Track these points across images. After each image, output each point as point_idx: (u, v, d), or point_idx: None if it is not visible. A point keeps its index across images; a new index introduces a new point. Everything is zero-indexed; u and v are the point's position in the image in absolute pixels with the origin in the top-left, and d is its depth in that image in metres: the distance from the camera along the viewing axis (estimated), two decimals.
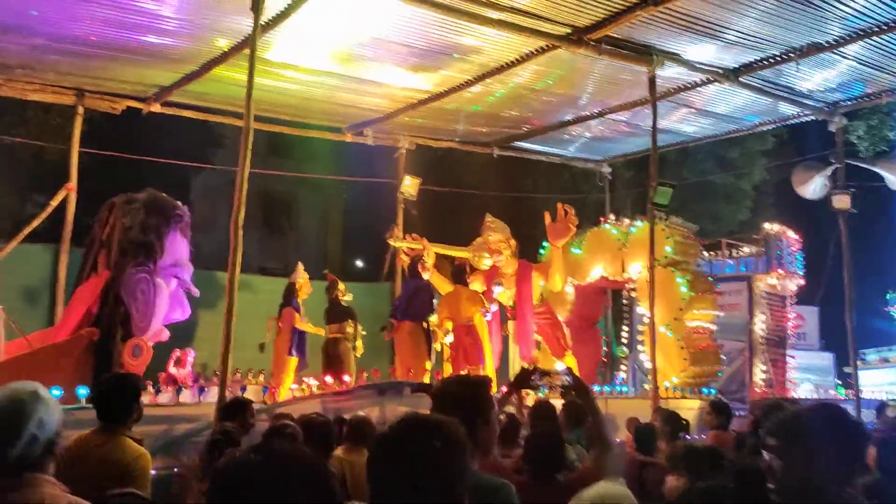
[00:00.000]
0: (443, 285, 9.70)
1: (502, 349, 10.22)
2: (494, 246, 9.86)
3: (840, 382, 11.15)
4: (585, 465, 3.47)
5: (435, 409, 2.58)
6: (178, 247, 7.37)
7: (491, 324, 9.77)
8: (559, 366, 9.47)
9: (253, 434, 4.53)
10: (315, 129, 12.05)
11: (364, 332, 9.54)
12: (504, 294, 10.05)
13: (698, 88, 9.88)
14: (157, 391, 6.47)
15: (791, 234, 12.31)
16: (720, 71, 9.19)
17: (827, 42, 8.44)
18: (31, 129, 12.75)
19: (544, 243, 12.10)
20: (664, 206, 8.65)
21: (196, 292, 7.77)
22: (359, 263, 22.24)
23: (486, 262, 10.09)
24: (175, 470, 5.27)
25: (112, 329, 6.68)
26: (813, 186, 11.09)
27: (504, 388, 7.95)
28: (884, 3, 7.55)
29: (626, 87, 9.94)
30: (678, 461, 4.12)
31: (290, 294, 9.79)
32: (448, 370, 9.19)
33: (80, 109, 10.11)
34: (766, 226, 12.29)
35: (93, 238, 7.24)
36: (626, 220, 11.30)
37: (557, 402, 5.41)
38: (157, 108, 10.35)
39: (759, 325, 11.69)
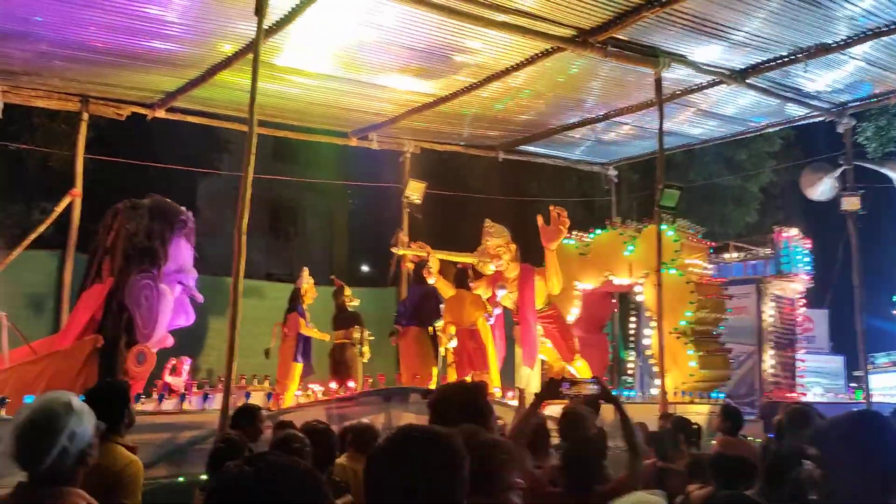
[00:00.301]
0: (446, 290, 9.66)
1: (505, 353, 10.16)
2: (494, 251, 9.83)
3: (857, 386, 11.01)
4: (620, 474, 3.42)
5: (433, 417, 2.53)
6: (182, 253, 7.34)
7: (494, 328, 9.73)
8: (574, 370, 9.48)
9: (262, 441, 4.49)
10: (319, 134, 12.03)
11: (372, 338, 9.49)
12: (507, 298, 10.01)
13: (705, 90, 9.81)
14: (161, 399, 6.42)
15: (800, 237, 12.21)
16: (727, 72, 9.12)
17: (835, 42, 8.37)
18: (37, 136, 12.77)
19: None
20: (671, 209, 8.57)
21: (200, 298, 7.73)
22: (364, 268, 22.23)
23: (490, 267, 10.06)
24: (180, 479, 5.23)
25: (116, 336, 6.65)
26: (821, 188, 11.02)
27: (512, 393, 7.90)
28: (892, 2, 7.48)
29: (632, 90, 9.89)
30: (703, 469, 4.05)
31: (295, 300, 9.77)
32: (452, 375, 9.14)
33: (85, 116, 10.11)
34: (775, 228, 12.20)
35: (97, 244, 7.21)
36: (633, 224, 11.22)
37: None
38: (161, 113, 10.34)
39: (768, 328, 11.59)
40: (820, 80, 9.49)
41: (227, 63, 8.73)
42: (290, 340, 9.26)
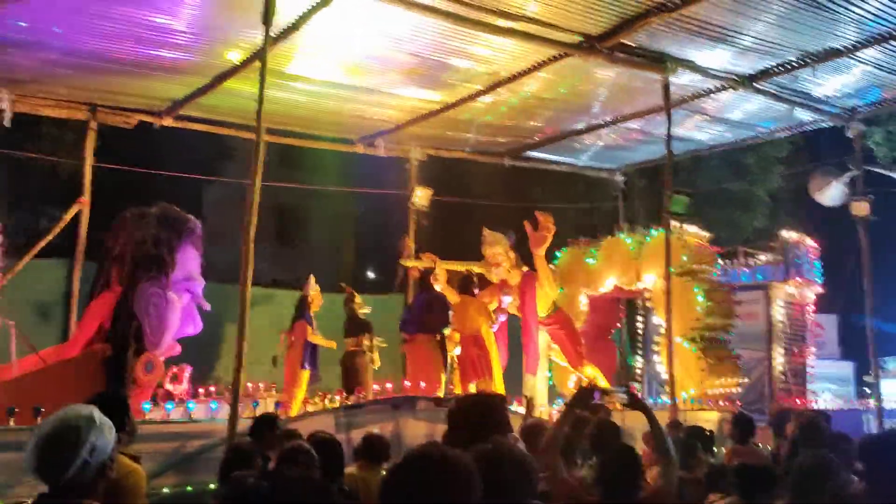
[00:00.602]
0: (451, 297, 9.66)
1: (508, 361, 10.14)
2: (493, 259, 9.88)
3: (870, 392, 10.92)
4: (657, 482, 3.41)
5: (450, 429, 2.52)
6: (190, 260, 7.34)
7: (498, 334, 9.72)
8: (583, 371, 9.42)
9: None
10: (326, 141, 12.04)
11: (384, 345, 9.47)
12: (513, 305, 10.03)
13: (712, 95, 9.76)
14: (169, 408, 6.40)
15: (809, 242, 12.14)
16: (735, 77, 9.08)
17: (843, 47, 8.32)
18: (45, 145, 12.81)
19: (556, 253, 12.04)
20: (680, 215, 8.54)
21: (207, 307, 7.73)
22: (371, 275, 22.20)
23: (496, 275, 10.13)
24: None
25: (125, 344, 6.64)
26: (831, 193, 10.95)
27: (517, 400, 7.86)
28: None
29: (639, 95, 9.85)
30: (722, 478, 4.01)
31: (302, 307, 9.76)
32: (457, 382, 9.11)
33: (93, 124, 10.14)
34: (784, 233, 12.13)
35: (105, 252, 7.22)
36: (641, 229, 11.19)
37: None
38: (169, 121, 10.37)
39: (778, 333, 11.52)
40: (828, 84, 9.44)
41: (234, 71, 8.74)
42: (297, 348, 9.25)
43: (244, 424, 5.75)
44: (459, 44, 8.18)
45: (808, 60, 8.59)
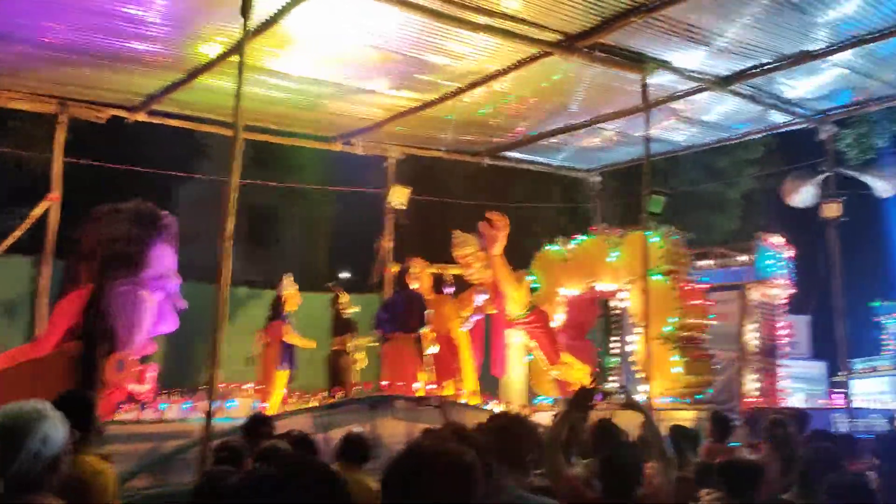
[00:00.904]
0: (427, 296, 9.64)
1: (483, 360, 10.18)
2: (463, 260, 9.98)
3: (842, 392, 11.08)
4: (655, 480, 3.45)
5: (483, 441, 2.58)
6: (164, 258, 7.18)
7: (473, 334, 9.76)
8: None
9: None
10: (303, 139, 11.92)
11: (374, 344, 9.41)
12: (487, 303, 10.10)
13: (689, 97, 9.84)
14: (143, 407, 6.27)
15: (782, 243, 12.29)
16: (712, 78, 9.16)
17: (817, 50, 8.43)
18: (13, 139, 12.51)
19: (535, 253, 12.07)
20: (658, 215, 8.59)
21: (183, 305, 7.58)
22: (346, 274, 22.05)
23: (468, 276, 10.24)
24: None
25: (96, 343, 6.47)
26: (803, 195, 11.11)
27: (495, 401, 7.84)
28: (873, 8, 7.55)
29: (616, 96, 9.88)
30: (711, 476, 4.05)
31: (277, 307, 9.68)
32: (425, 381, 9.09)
33: (64, 118, 9.91)
34: (757, 234, 12.27)
35: (76, 249, 7.03)
36: (619, 230, 11.25)
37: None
38: (142, 116, 10.17)
39: (751, 334, 11.64)
40: (803, 87, 9.57)
41: (210, 65, 8.60)
42: (274, 347, 9.17)
43: (220, 425, 5.67)
44: (439, 41, 8.14)
45: (783, 63, 8.69)
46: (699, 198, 17.21)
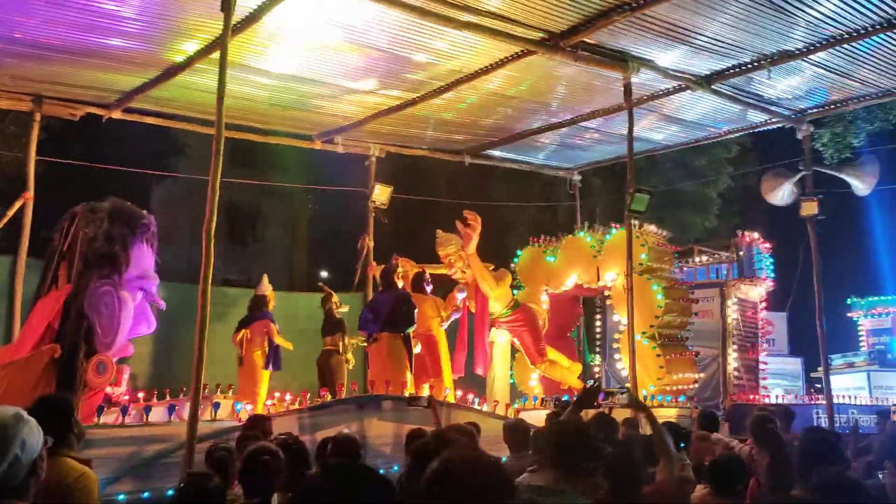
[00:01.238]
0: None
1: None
2: (445, 260, 10.00)
3: (819, 387, 11.21)
4: (658, 477, 3.49)
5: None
6: (144, 258, 7.03)
7: (460, 330, 9.78)
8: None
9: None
10: (283, 137, 11.79)
11: (364, 343, 9.34)
12: (469, 300, 10.12)
13: (670, 96, 9.88)
14: (125, 411, 6.14)
15: (761, 241, 12.42)
16: (693, 78, 9.20)
17: (797, 49, 8.50)
18: None
19: (518, 251, 12.07)
20: (641, 213, 8.61)
21: (163, 305, 7.44)
22: (326, 274, 21.95)
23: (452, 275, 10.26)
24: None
25: (75, 345, 6.32)
26: (781, 193, 11.20)
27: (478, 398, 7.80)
28: (852, 9, 7.62)
29: (597, 94, 9.90)
30: (700, 473, 4.09)
31: (260, 306, 9.55)
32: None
33: (38, 116, 9.70)
34: (738, 232, 12.39)
35: (53, 249, 6.85)
36: (601, 228, 11.28)
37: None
38: (118, 114, 9.98)
39: (732, 331, 11.74)
40: (781, 86, 9.63)
41: (188, 63, 8.46)
42: (261, 348, 9.07)
43: (204, 428, 5.56)
44: (421, 38, 8.08)
45: (764, 62, 8.74)
46: (677, 197, 17.35)
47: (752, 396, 11.30)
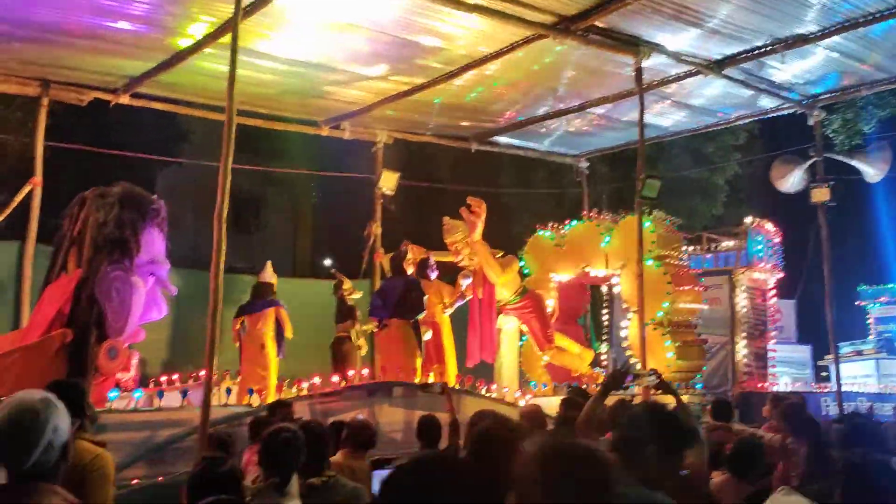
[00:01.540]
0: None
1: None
2: (452, 247, 9.97)
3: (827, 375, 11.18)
4: (688, 461, 3.49)
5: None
6: (154, 243, 7.01)
7: (474, 314, 9.77)
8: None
9: None
10: (290, 123, 11.72)
11: (376, 329, 9.32)
12: (475, 285, 10.11)
13: (680, 81, 9.79)
14: (137, 396, 6.13)
15: (770, 228, 12.35)
16: (704, 62, 9.11)
17: (811, 33, 8.40)
18: None
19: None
20: (652, 199, 8.56)
21: (174, 291, 7.42)
22: (332, 261, 21.92)
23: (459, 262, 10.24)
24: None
25: (86, 330, 6.31)
26: (792, 180, 11.13)
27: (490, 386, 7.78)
28: None
29: (606, 79, 9.80)
30: (720, 458, 4.10)
31: (265, 293, 9.52)
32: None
33: (45, 101, 9.65)
34: (747, 220, 12.31)
35: (63, 234, 6.83)
36: (610, 214, 11.23)
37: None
38: (125, 99, 9.91)
39: (741, 318, 11.70)
40: (793, 71, 9.53)
41: (196, 47, 8.39)
42: (267, 334, 9.06)
43: (216, 413, 5.56)
44: (431, 22, 7.99)
45: (777, 46, 8.65)
46: (685, 184, 17.24)
47: (760, 384, 11.26)
